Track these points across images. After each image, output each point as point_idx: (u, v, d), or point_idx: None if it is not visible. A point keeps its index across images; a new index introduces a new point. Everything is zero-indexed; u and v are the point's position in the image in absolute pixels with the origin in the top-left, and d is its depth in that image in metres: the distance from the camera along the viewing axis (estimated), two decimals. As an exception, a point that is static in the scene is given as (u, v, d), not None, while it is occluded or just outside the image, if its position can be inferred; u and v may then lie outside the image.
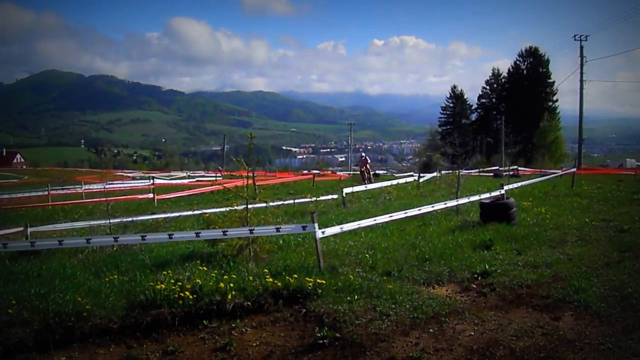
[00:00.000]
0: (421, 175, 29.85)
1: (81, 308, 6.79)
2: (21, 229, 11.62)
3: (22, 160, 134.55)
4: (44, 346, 6.58)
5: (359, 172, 36.49)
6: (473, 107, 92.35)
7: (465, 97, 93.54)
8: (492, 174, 38.93)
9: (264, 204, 12.53)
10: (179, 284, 7.30)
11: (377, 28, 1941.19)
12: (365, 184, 29.74)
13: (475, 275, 8.43)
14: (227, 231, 8.52)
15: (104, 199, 14.21)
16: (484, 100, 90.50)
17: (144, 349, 6.54)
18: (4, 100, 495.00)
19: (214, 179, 38.03)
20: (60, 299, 7.04)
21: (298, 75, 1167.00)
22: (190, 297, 7.09)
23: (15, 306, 6.88)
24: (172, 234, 8.48)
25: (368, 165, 35.31)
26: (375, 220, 11.21)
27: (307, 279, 7.67)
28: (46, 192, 25.79)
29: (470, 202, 14.36)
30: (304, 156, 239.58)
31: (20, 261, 10.14)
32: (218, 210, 12.83)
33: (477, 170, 40.96)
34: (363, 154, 37.83)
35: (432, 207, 13.19)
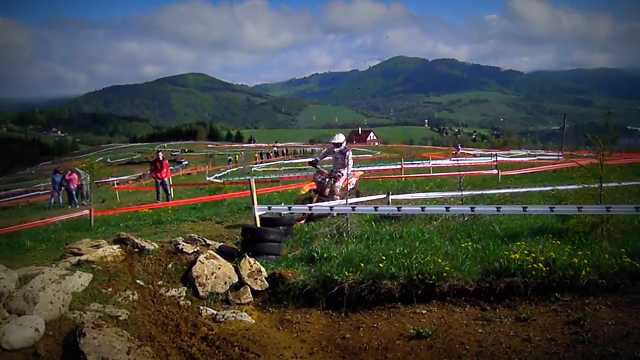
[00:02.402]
0: None
1: (441, 269, 7.14)
2: (384, 196, 12.63)
3: (375, 138, 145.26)
4: (408, 299, 7.13)
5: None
6: None
7: None
8: None
9: (615, 184, 11.67)
10: (533, 255, 7.21)
11: None
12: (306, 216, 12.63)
13: None
14: (582, 207, 8.17)
15: (455, 173, 14.59)
16: None
17: (497, 313, 6.65)
18: (360, 86, 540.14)
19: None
20: (421, 259, 7.47)
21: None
22: (544, 269, 6.96)
23: (385, 262, 7.53)
24: (527, 207, 8.43)
25: (344, 172, 13.25)
26: None
27: (672, 263, 6.95)
28: (399, 166, 27.57)
29: None
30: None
31: (383, 224, 11.05)
32: (568, 187, 12.29)
33: None
34: (337, 141, 13.67)
35: None
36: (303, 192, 13.47)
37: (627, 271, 6.94)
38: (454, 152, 54.86)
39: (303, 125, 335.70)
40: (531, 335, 5.95)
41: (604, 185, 8.96)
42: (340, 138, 13.65)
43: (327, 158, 14.30)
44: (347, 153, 13.37)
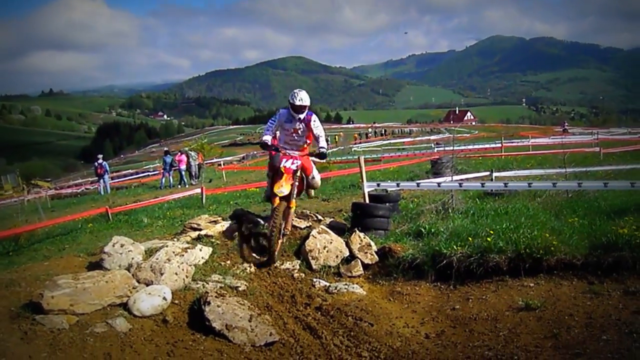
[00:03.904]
0: None
1: (548, 243, 7.00)
2: (487, 173, 12.44)
3: (472, 117, 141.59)
4: (515, 272, 7.06)
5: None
6: None
7: None
8: None
9: None
10: (641, 230, 6.94)
11: None
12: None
13: None
14: (693, 183, 7.73)
15: (556, 151, 14.10)
16: None
17: (605, 286, 6.45)
18: (456, 65, 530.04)
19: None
20: (528, 234, 7.35)
21: None
22: (653, 244, 6.69)
23: (492, 236, 7.47)
24: (634, 183, 8.07)
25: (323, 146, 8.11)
26: None
27: None
28: (499, 145, 26.94)
29: None
30: None
31: (487, 200, 10.88)
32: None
33: None
34: (303, 102, 7.86)
35: None
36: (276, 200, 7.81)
37: None
38: (562, 130, 52.15)
39: (400, 106, 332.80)
40: (641, 308, 5.77)
41: None
42: (305, 99, 7.91)
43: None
44: (313, 117, 8.07)
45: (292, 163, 7.79)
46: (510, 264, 7.10)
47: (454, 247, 7.50)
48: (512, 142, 31.69)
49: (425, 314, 6.70)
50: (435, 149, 31.38)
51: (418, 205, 10.99)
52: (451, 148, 17.75)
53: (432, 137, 54.81)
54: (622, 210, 8.85)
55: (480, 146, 30.76)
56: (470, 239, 7.60)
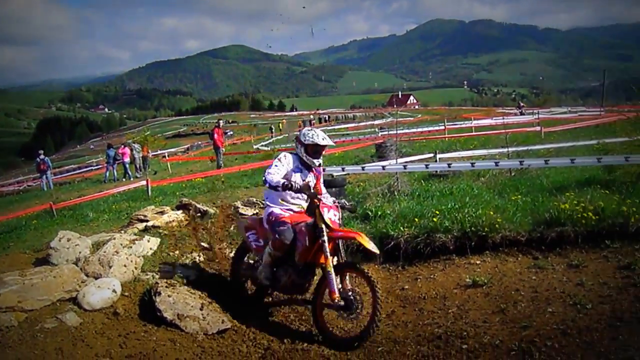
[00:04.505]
0: None
1: (493, 221, 7.19)
2: (431, 155, 12.64)
3: (415, 101, 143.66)
4: (462, 250, 7.25)
5: None
6: None
7: None
8: None
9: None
10: (582, 205, 7.17)
11: None
12: None
13: None
14: (629, 157, 8.07)
15: (498, 131, 14.45)
16: None
17: (549, 260, 6.68)
18: (397, 50, 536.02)
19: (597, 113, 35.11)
20: (473, 213, 7.54)
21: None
22: (593, 217, 6.93)
23: (438, 216, 7.62)
24: (574, 159, 8.37)
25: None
26: None
27: None
28: (442, 127, 27.46)
29: None
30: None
31: (432, 182, 11.08)
32: (615, 140, 12.10)
33: None
34: (328, 142, 6.07)
35: None
36: None
37: (676, 217, 6.85)
38: (519, 113, 52.86)
39: (343, 92, 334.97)
40: (583, 280, 5.98)
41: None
42: (327, 138, 6.14)
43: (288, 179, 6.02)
44: (321, 169, 6.49)
45: (335, 215, 5.96)
46: (456, 243, 7.28)
47: (401, 228, 7.62)
48: (455, 124, 32.28)
49: (376, 296, 6.78)
50: (380, 133, 31.74)
51: (364, 189, 11.07)
52: (395, 132, 17.93)
53: (376, 122, 55.39)
54: (564, 186, 9.16)
55: (424, 129, 31.27)
56: (416, 220, 7.72)
